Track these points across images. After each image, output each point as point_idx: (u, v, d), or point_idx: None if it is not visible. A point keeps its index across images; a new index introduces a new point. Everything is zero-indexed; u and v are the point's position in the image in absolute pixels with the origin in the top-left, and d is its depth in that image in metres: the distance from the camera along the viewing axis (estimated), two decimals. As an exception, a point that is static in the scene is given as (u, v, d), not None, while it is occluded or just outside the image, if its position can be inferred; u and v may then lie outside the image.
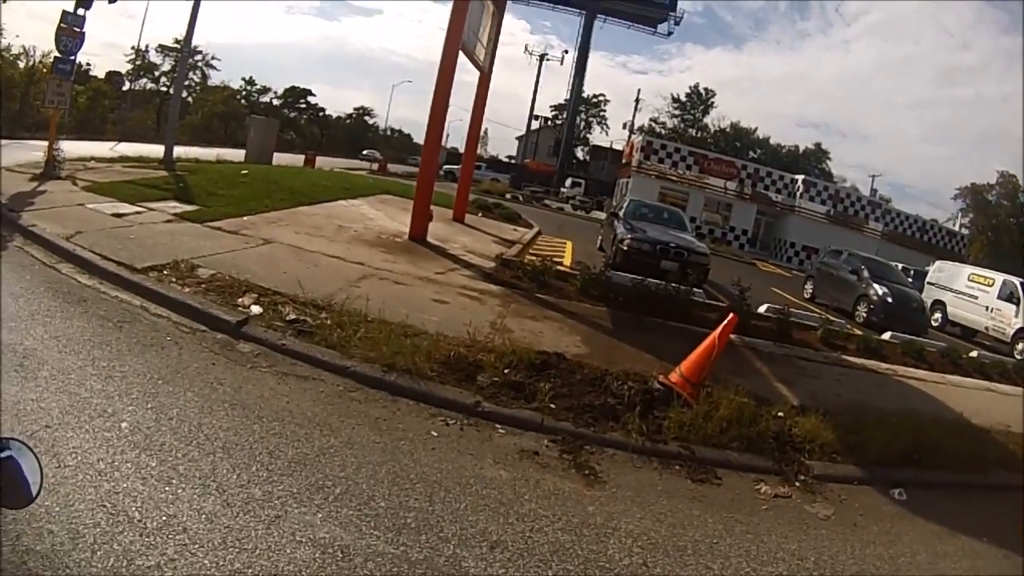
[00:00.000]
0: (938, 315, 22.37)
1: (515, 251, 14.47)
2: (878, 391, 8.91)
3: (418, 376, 5.57)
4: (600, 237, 20.11)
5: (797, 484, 5.53)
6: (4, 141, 33.75)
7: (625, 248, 13.92)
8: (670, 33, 65.00)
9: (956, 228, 60.87)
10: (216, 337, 6.14)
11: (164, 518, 3.35)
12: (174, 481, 3.70)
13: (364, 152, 66.45)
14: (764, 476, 5.54)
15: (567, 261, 14.94)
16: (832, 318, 13.33)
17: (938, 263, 25.45)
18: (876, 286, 17.47)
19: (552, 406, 5.48)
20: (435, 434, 4.91)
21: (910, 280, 22.08)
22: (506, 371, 5.86)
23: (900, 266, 24.61)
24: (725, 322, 6.42)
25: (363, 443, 4.54)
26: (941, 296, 23.07)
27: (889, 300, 16.97)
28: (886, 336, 12.99)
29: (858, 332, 12.64)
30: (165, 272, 7.68)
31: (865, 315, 17.09)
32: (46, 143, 18.67)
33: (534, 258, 12.82)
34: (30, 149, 24.98)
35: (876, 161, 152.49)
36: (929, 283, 24.23)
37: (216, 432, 4.32)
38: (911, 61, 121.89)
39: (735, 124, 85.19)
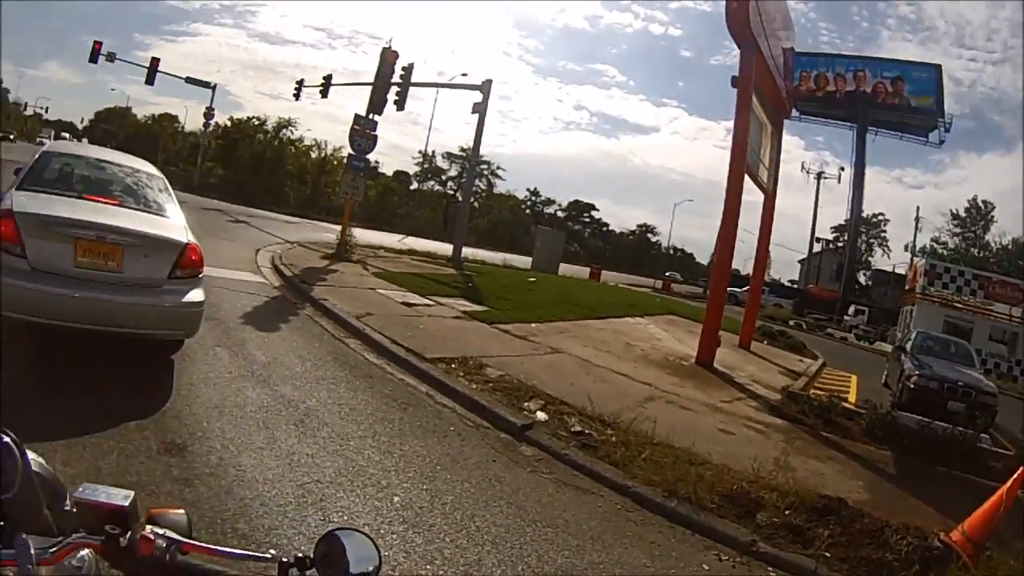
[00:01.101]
0: None
1: (801, 384, 14.55)
2: None
3: (698, 506, 5.73)
4: (885, 372, 20.37)
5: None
6: (297, 219, 40.23)
7: (912, 386, 14.09)
8: (941, 142, 63.56)
9: None
10: (499, 436, 6.73)
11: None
12: (437, 562, 4.04)
13: (667, 273, 70.98)
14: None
15: (852, 397, 14.96)
16: None
17: None
18: None
19: (827, 555, 5.45)
20: (706, 568, 4.96)
21: None
22: (786, 512, 5.91)
23: None
24: (1015, 476, 6.16)
25: (634, 565, 4.67)
26: None
27: None
28: None
29: None
30: (453, 366, 8.66)
31: None
32: (336, 226, 22.07)
33: (820, 392, 13.00)
34: (321, 230, 29.49)
35: None
36: None
37: (488, 526, 4.65)
38: None
39: (1016, 239, 79.31)
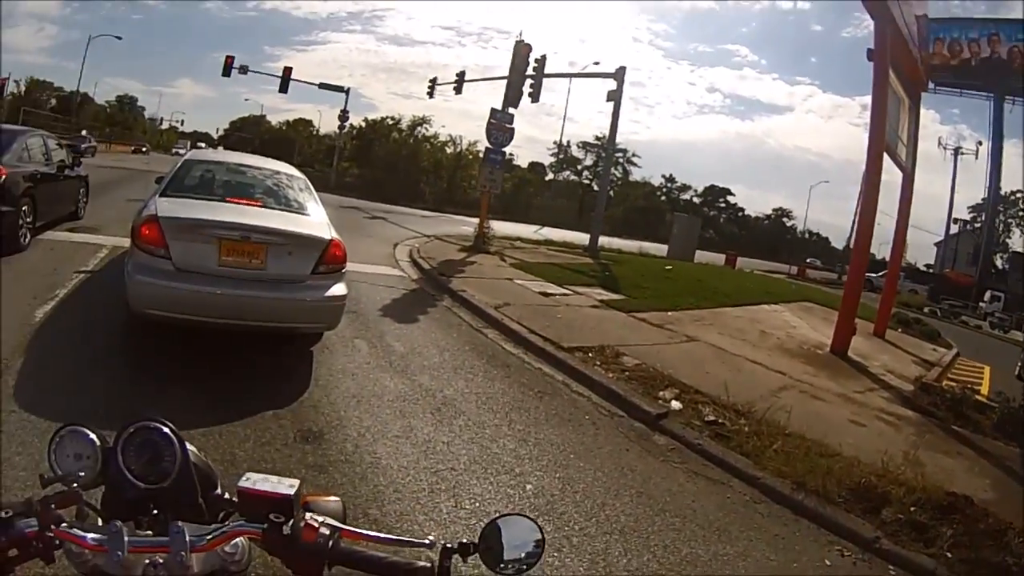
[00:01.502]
0: None
1: (934, 375, 13.93)
2: None
3: (825, 499, 5.64)
4: (1019, 363, 20.18)
5: None
6: (434, 214, 41.21)
7: None
8: (1082, 111, 57.09)
9: None
10: (633, 425, 6.76)
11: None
12: (564, 550, 4.11)
13: (808, 260, 71.12)
14: None
15: (984, 389, 14.25)
16: None
17: None
18: None
19: (948, 555, 5.26)
20: (828, 563, 4.86)
21: None
22: (912, 508, 5.74)
23: None
24: None
25: (756, 558, 4.62)
26: None
27: None
28: None
29: None
30: (590, 355, 8.72)
31: None
32: (473, 219, 22.47)
33: (952, 384, 12.43)
34: (458, 224, 30.13)
35: None
36: None
37: (617, 515, 4.70)
38: None
39: None
